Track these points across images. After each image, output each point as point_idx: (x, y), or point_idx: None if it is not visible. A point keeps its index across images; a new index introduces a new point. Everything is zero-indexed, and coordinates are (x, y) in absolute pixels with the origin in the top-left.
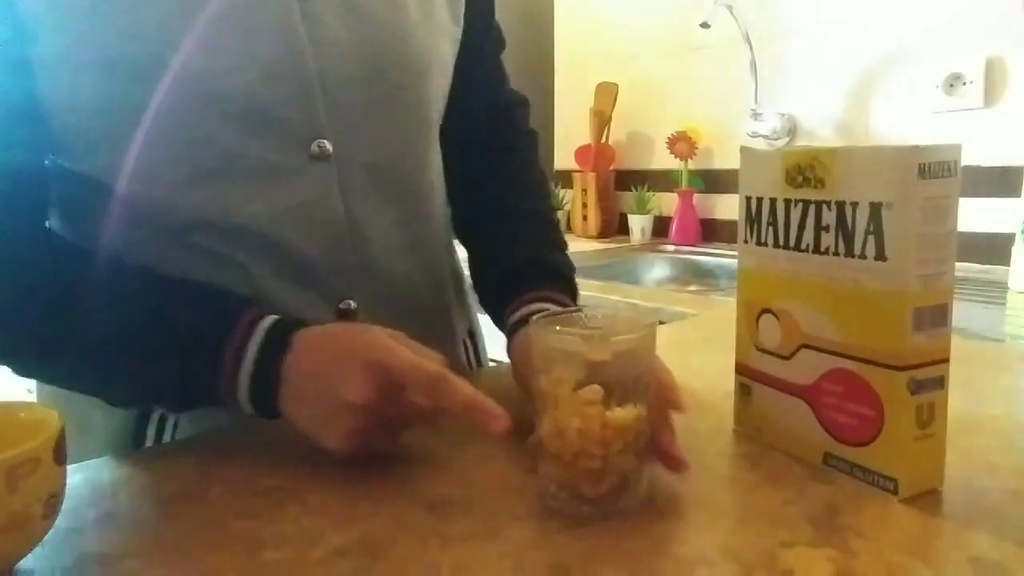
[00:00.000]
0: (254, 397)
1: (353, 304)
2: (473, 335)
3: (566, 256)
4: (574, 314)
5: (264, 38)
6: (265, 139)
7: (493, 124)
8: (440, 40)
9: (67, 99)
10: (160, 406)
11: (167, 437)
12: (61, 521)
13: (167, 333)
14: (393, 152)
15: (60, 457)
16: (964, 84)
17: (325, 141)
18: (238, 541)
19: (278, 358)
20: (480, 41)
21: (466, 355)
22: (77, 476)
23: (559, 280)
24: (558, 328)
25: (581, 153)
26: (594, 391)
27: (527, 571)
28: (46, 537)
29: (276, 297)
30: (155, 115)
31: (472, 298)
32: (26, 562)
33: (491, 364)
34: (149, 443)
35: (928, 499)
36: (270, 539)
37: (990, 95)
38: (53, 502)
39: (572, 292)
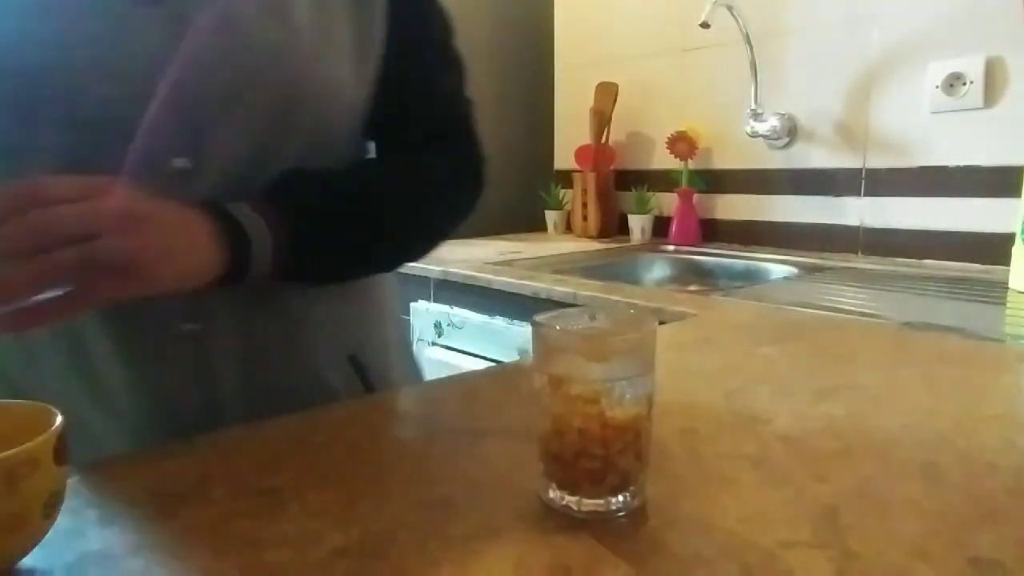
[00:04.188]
0: None
1: (196, 327)
2: (357, 360)
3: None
4: (574, 314)
5: (121, 54)
6: (120, 153)
7: (428, 144)
8: (339, 67)
9: None
10: None
11: None
12: (61, 521)
13: None
14: (264, 175)
15: (60, 457)
16: (964, 84)
17: (183, 159)
18: (238, 541)
19: None
20: (413, 62)
21: (346, 385)
22: (77, 476)
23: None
24: (558, 328)
25: (581, 153)
26: (594, 391)
27: (527, 571)
28: (46, 537)
29: (124, 310)
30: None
31: (378, 323)
32: (26, 562)
33: (495, 365)
34: None
35: (927, 499)
36: (270, 539)
37: (990, 95)
38: (53, 502)
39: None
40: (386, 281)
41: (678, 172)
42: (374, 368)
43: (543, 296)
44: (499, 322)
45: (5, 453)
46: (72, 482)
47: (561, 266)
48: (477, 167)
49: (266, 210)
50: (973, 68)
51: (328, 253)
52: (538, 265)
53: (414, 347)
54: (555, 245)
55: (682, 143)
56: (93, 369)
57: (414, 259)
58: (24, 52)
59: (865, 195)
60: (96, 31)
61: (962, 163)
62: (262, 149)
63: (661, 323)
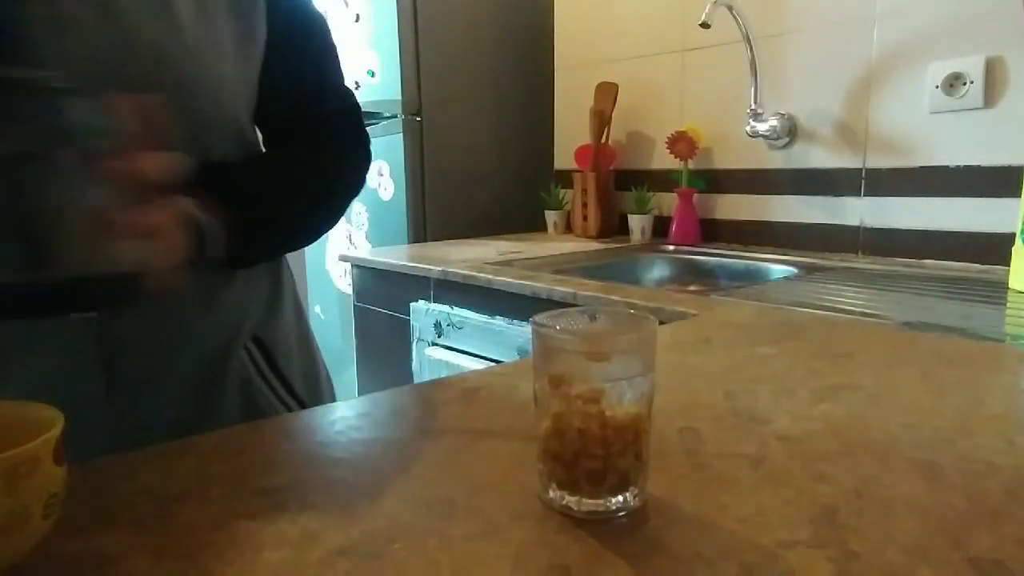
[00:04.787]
0: None
1: (92, 314)
2: (260, 342)
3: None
4: (574, 314)
5: (5, 47)
6: None
7: (313, 135)
8: (217, 61)
9: None
10: None
11: None
12: (61, 521)
13: None
14: None
15: (60, 457)
16: (964, 84)
17: None
18: (238, 541)
19: None
20: (299, 59)
21: (252, 362)
22: (77, 476)
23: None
24: (558, 328)
25: (581, 153)
26: (594, 391)
27: (527, 571)
28: (46, 537)
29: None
30: None
31: (281, 307)
32: (25, 562)
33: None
34: None
35: (927, 499)
36: (270, 539)
37: (990, 95)
38: (53, 502)
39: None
40: (284, 265)
41: (678, 172)
42: (279, 352)
43: (543, 296)
44: (499, 322)
45: (5, 453)
46: (72, 482)
47: (561, 266)
48: (365, 154)
49: (208, 198)
50: (973, 68)
51: (266, 235)
52: (538, 265)
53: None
54: (555, 245)
55: (682, 143)
56: None
57: (316, 239)
58: None
59: (865, 195)
60: None
61: (962, 163)
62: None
63: (661, 323)
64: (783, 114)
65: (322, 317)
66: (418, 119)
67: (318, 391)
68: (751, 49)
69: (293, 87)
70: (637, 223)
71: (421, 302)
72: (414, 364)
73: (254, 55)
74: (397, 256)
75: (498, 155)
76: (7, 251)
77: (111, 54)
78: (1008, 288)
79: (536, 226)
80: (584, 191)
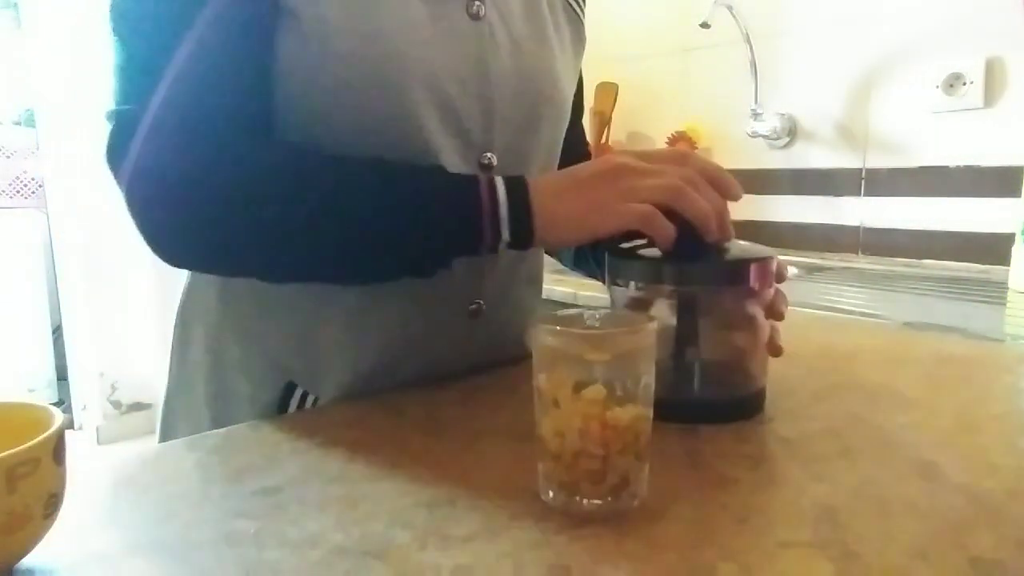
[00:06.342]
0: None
1: (483, 304)
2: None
3: None
4: (574, 314)
5: (466, 63)
6: (454, 143)
7: None
8: (570, 88)
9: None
10: (409, 267)
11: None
12: (61, 521)
13: (411, 195)
14: (533, 173)
15: (60, 457)
16: (964, 84)
17: (492, 154)
18: (238, 541)
19: (523, 187)
20: (579, 100)
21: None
22: (78, 475)
23: None
24: (558, 328)
25: None
26: (594, 391)
27: (527, 571)
28: (46, 537)
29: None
30: (372, 107)
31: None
32: (26, 562)
33: None
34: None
35: (927, 499)
36: (270, 539)
37: (990, 95)
38: (53, 502)
39: None
40: None
41: None
42: None
43: (543, 296)
44: None
45: (5, 453)
46: (73, 482)
47: (561, 266)
48: None
49: None
50: (973, 68)
51: None
52: None
53: None
54: None
55: (682, 143)
56: (381, 336)
57: None
58: (384, 40)
59: (865, 195)
60: (438, 32)
61: (962, 163)
62: (548, 154)
63: None
64: (783, 114)
65: None
66: None
67: None
68: (751, 49)
69: (575, 126)
70: None
71: None
72: None
73: (574, 88)
74: None
75: None
76: None
77: (519, 74)
78: (1008, 288)
79: None
80: None
